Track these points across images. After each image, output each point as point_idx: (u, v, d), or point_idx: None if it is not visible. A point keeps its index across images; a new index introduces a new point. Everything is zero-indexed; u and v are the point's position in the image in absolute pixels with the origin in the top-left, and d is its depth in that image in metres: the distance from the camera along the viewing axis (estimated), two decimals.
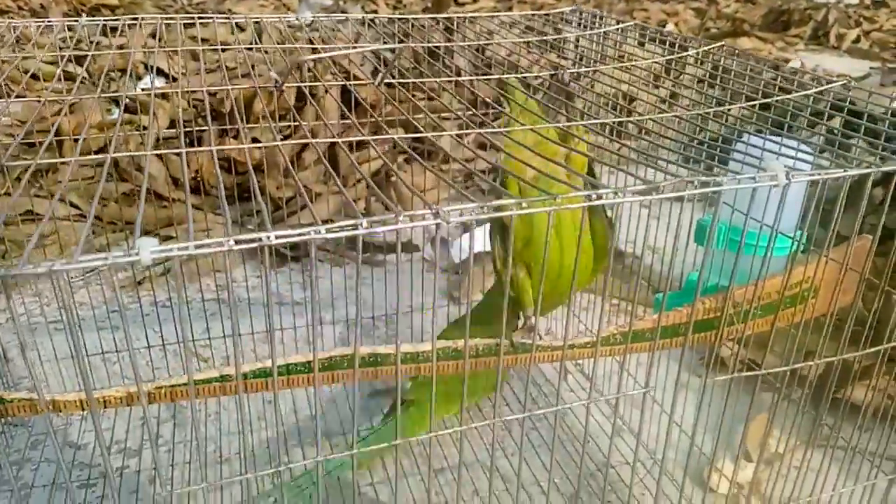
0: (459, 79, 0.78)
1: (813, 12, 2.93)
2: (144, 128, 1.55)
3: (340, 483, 0.78)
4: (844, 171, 0.50)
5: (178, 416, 0.94)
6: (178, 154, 1.49)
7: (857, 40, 2.72)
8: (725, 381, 0.62)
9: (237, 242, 0.34)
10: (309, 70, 1.38)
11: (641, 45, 1.01)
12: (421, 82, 0.77)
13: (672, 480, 0.82)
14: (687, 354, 1.07)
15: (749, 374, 0.62)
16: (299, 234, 0.35)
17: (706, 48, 0.84)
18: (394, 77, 0.74)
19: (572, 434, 0.91)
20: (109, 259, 0.34)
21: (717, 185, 0.46)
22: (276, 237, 0.34)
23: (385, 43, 1.06)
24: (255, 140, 1.51)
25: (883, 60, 2.62)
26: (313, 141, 0.49)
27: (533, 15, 1.16)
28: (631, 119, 0.63)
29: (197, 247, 0.35)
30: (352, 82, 0.95)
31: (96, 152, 1.52)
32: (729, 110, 0.67)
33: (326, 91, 1.48)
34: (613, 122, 0.62)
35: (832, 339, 0.67)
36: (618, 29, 0.98)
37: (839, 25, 2.83)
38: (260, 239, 0.34)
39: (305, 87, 0.81)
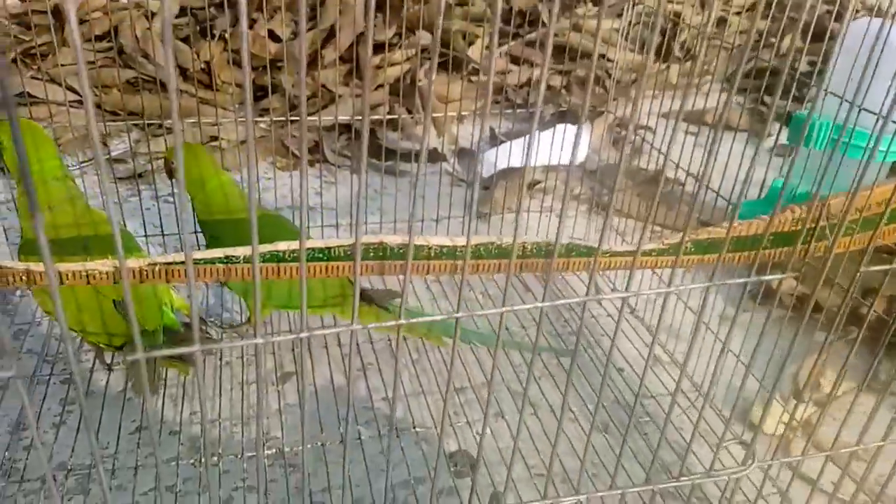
0: None
1: None
2: (153, 13, 1.43)
3: None
4: None
5: None
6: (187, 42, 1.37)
7: None
8: (776, 317, 0.53)
9: None
10: None
11: None
12: None
13: (719, 414, 0.75)
14: (734, 288, 0.98)
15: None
16: None
17: None
18: None
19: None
20: None
21: None
22: None
23: None
24: (271, 32, 1.39)
25: None
26: None
27: None
28: None
29: None
30: None
31: (100, 37, 1.41)
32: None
33: None
34: None
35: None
36: None
37: None
38: None
39: None
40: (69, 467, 0.66)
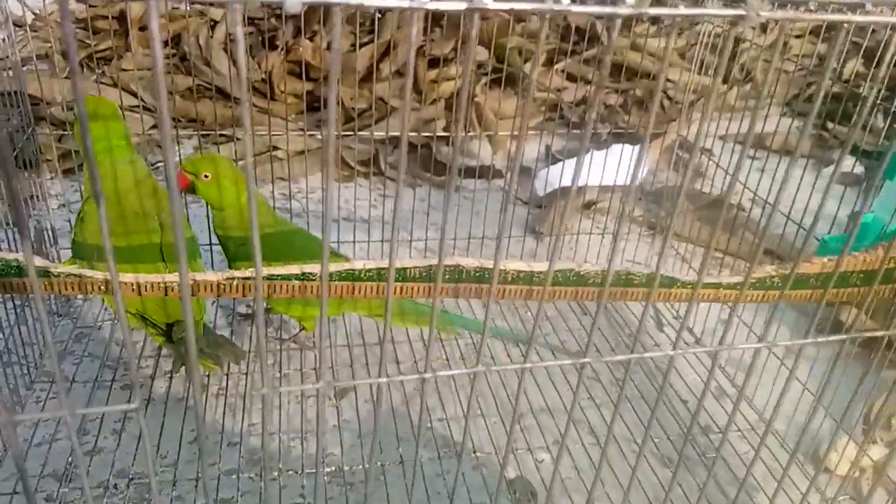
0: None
1: None
2: (215, 21, 1.45)
3: None
4: None
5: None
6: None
7: None
8: (846, 352, 0.51)
9: None
10: None
11: None
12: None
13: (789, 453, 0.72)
14: (800, 320, 0.95)
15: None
16: None
17: None
18: None
19: (672, 391, 0.81)
20: None
21: None
22: None
23: None
24: (330, 45, 1.40)
25: None
26: None
27: None
28: None
29: None
30: None
31: (164, 43, 1.44)
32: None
33: None
34: None
35: None
36: None
37: None
38: None
39: None
40: (130, 475, 0.66)
